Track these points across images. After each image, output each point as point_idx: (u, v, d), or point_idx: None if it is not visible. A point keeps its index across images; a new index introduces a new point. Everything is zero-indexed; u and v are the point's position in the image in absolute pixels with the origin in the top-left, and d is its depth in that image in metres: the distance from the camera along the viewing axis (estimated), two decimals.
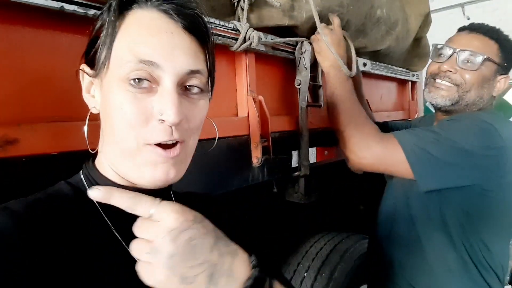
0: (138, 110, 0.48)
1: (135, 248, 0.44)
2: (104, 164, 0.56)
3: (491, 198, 1.06)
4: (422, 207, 1.14)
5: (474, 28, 1.19)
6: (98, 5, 0.69)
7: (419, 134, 1.08)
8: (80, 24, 0.68)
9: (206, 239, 0.45)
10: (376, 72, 1.73)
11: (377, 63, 1.74)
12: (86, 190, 0.53)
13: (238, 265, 0.47)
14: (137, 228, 0.44)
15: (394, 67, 1.92)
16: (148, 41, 0.49)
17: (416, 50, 2.04)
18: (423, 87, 1.30)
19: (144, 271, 0.43)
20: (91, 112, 0.56)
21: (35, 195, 0.52)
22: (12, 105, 0.63)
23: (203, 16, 0.55)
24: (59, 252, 0.46)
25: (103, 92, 0.52)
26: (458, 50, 1.15)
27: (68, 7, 0.65)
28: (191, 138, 0.54)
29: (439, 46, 1.23)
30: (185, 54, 0.51)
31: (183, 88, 0.51)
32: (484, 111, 1.17)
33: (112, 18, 0.50)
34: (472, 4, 8.07)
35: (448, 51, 1.17)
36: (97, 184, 0.55)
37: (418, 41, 2.02)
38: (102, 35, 0.51)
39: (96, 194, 0.44)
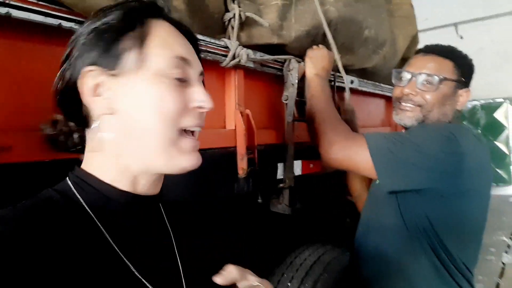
0: (179, 100, 0.55)
1: None
2: (106, 167, 0.57)
3: (449, 205, 1.11)
4: (392, 216, 1.19)
5: (429, 50, 1.26)
6: None
7: (387, 136, 1.13)
8: None
9: None
10: (364, 89, 1.79)
11: (365, 80, 1.80)
12: (75, 197, 0.55)
13: None
14: None
15: (382, 85, 1.98)
16: (179, 42, 0.58)
17: None
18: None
19: None
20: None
21: (23, 203, 0.52)
22: (8, 113, 0.67)
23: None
24: (55, 260, 0.47)
25: (134, 90, 0.54)
26: (416, 73, 1.21)
27: (66, 24, 0.70)
28: None
29: (398, 71, 1.29)
30: (197, 57, 0.61)
31: None
32: (450, 123, 1.23)
33: (138, 22, 0.56)
34: (465, 23, 8.25)
35: (407, 75, 1.24)
36: (91, 187, 0.56)
37: (405, 60, 2.07)
38: (127, 37, 0.54)
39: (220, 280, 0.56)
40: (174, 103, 0.54)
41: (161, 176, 0.62)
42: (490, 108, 8.33)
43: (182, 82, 0.56)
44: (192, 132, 0.59)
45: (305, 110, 1.29)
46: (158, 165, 0.57)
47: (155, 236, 0.63)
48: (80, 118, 0.57)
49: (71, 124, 0.59)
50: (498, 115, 8.42)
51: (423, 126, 1.18)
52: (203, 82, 0.64)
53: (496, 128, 8.42)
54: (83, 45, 0.55)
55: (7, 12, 0.62)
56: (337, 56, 1.34)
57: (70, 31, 0.71)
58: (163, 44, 0.55)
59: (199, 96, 0.57)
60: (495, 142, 8.14)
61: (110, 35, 0.55)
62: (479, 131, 8.00)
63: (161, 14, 0.59)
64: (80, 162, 0.60)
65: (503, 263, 4.47)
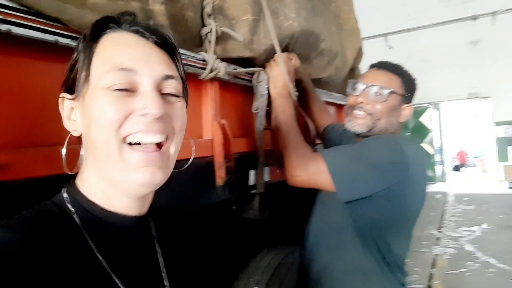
0: (118, 108, 0.52)
1: None
2: (90, 187, 0.58)
3: (393, 207, 1.25)
4: (341, 217, 1.30)
5: (382, 66, 1.40)
6: None
7: (342, 153, 1.25)
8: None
9: None
10: None
11: (319, 89, 1.92)
12: (69, 210, 0.56)
13: None
14: None
15: (333, 93, 2.12)
16: (124, 52, 0.54)
17: (351, 78, 2.28)
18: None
19: None
20: (70, 135, 0.59)
21: (24, 214, 0.53)
22: (7, 131, 0.66)
23: (169, 33, 0.61)
24: (51, 271, 0.48)
25: (85, 109, 0.55)
26: (369, 84, 1.34)
27: (62, 40, 0.70)
28: (174, 139, 0.57)
29: (354, 81, 1.42)
30: (159, 61, 0.56)
31: (161, 95, 0.56)
32: (395, 134, 1.38)
33: (88, 43, 0.55)
34: (394, 34, 8.95)
35: (361, 86, 1.36)
36: (82, 207, 0.57)
37: (353, 70, 2.26)
38: (79, 60, 0.56)
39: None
40: (112, 114, 0.51)
41: (144, 198, 0.60)
42: (417, 112, 9.10)
43: (128, 92, 0.53)
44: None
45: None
46: (117, 183, 0.55)
47: (142, 254, 0.64)
48: None
49: None
50: (424, 119, 9.22)
51: (372, 140, 1.29)
52: (185, 84, 0.62)
53: (422, 130, 9.21)
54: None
55: (8, 29, 0.62)
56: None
57: (66, 47, 0.72)
58: (105, 60, 0.54)
59: (143, 103, 0.52)
60: (421, 144, 8.88)
61: (73, 59, 0.57)
62: (408, 134, 8.69)
63: (118, 26, 0.57)
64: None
65: (434, 255, 4.90)
